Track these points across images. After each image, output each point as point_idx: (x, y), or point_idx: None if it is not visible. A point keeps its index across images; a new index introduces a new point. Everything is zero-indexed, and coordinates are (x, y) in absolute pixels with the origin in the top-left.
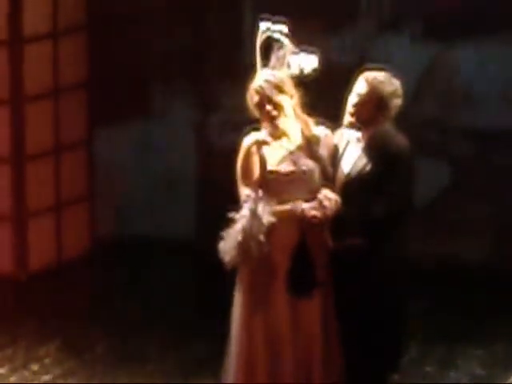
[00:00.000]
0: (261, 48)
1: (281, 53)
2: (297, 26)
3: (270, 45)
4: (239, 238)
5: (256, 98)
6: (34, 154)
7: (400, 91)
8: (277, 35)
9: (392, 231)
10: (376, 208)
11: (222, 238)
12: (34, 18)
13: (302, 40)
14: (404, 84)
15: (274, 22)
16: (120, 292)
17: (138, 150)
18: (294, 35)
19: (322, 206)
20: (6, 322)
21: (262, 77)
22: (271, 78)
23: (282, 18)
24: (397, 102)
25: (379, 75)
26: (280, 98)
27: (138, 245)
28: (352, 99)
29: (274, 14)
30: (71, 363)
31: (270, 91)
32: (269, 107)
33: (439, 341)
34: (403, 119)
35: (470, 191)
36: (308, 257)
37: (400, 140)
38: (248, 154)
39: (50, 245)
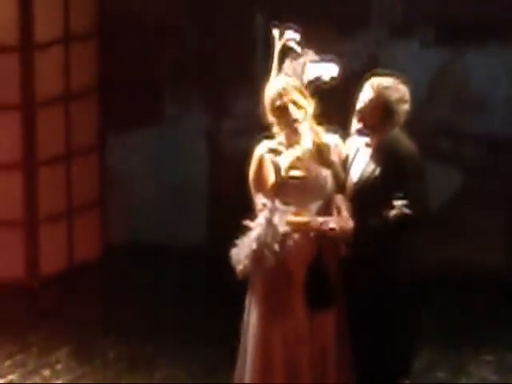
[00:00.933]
0: (278, 55)
1: (300, 61)
2: (308, 32)
3: (283, 52)
4: (253, 246)
5: (278, 101)
6: (45, 160)
7: (407, 97)
8: (292, 43)
9: (403, 236)
10: (387, 214)
11: (235, 247)
12: (45, 24)
13: (313, 46)
14: (415, 90)
15: (287, 29)
16: (131, 298)
17: (149, 156)
18: (306, 41)
19: (339, 218)
20: (18, 328)
21: (284, 81)
22: (294, 83)
23: (294, 25)
24: (404, 107)
25: (385, 81)
26: (303, 102)
27: (148, 251)
28: (358, 106)
29: (286, 19)
30: (82, 369)
31: (294, 94)
32: (293, 110)
33: (451, 347)
34: (414, 125)
35: (482, 197)
36: (325, 272)
37: (407, 145)
38: (261, 163)
39: (62, 251)
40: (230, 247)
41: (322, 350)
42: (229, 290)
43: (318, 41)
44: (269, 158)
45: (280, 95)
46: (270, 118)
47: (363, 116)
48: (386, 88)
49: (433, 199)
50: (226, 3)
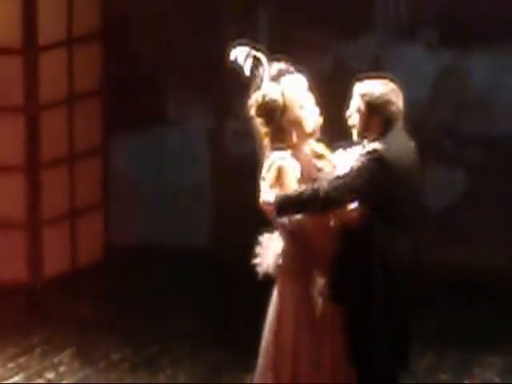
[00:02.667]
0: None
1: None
2: (313, 33)
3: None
4: (279, 261)
5: (297, 111)
6: (48, 162)
7: (392, 97)
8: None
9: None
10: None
11: (259, 254)
12: (49, 26)
13: (318, 47)
14: (418, 91)
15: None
16: (134, 300)
17: (152, 157)
18: (310, 43)
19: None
20: (21, 330)
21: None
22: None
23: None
24: (392, 108)
25: (367, 84)
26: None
27: (151, 253)
28: (347, 112)
29: (290, 21)
30: (86, 371)
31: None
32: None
33: (454, 348)
34: (417, 126)
35: (484, 198)
36: (347, 262)
37: (389, 148)
38: (283, 174)
39: (65, 253)
40: (233, 248)
41: (341, 349)
42: (232, 290)
43: (321, 42)
44: (289, 167)
45: (300, 106)
46: (277, 126)
47: (352, 120)
48: (368, 91)
49: (436, 201)
50: (230, 4)
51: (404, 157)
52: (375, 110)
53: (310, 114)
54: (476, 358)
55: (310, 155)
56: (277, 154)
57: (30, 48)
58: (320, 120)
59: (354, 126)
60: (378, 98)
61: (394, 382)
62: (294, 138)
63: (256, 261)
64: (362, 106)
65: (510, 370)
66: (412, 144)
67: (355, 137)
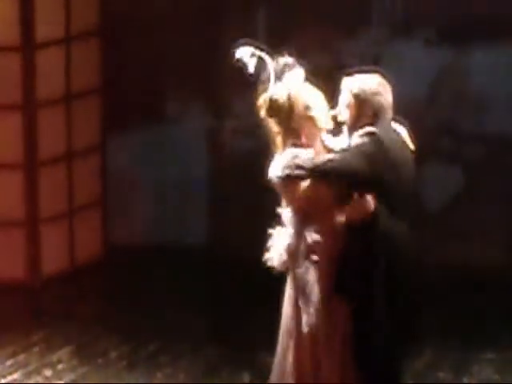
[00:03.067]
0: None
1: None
2: (310, 31)
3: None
4: (284, 257)
5: (309, 111)
6: (46, 160)
7: (380, 90)
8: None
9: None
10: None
11: (268, 250)
12: (46, 24)
13: (315, 45)
14: (416, 89)
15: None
16: (132, 298)
17: (150, 155)
18: (308, 41)
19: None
20: (20, 328)
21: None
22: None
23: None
24: (379, 100)
25: (355, 79)
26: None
27: (150, 251)
28: (336, 108)
29: (288, 19)
30: (84, 369)
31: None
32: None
33: (453, 346)
34: (415, 124)
35: (483, 196)
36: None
37: (385, 136)
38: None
39: (63, 251)
40: (232, 247)
41: (342, 348)
42: (231, 289)
43: (319, 40)
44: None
45: (309, 102)
46: (288, 125)
47: (342, 116)
48: (356, 85)
49: (434, 198)
50: (228, 3)
51: (395, 147)
52: (364, 103)
53: (319, 110)
54: (475, 357)
55: (323, 149)
56: (291, 151)
57: (27, 46)
58: (331, 113)
59: (344, 122)
60: (366, 90)
61: (395, 381)
62: (306, 135)
63: (266, 258)
64: (351, 100)
65: (508, 369)
66: (403, 138)
67: (346, 132)
